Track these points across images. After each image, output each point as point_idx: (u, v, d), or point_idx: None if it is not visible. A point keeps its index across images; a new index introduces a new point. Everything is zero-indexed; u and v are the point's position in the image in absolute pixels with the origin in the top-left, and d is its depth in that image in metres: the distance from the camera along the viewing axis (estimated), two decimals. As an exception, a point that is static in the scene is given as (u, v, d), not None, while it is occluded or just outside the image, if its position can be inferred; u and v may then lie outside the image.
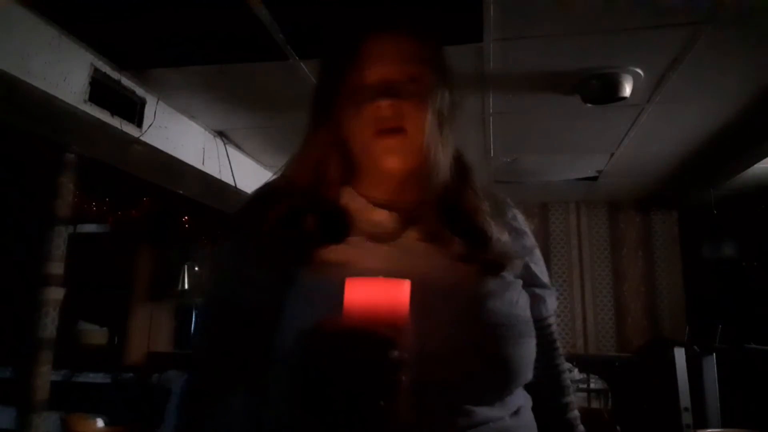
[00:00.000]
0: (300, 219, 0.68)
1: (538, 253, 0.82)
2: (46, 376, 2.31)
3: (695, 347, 3.23)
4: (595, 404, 3.70)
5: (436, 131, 0.70)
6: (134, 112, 2.43)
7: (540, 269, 0.80)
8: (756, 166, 3.24)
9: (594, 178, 3.98)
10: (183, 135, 2.84)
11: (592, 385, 3.72)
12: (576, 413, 0.81)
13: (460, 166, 0.77)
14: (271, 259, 0.67)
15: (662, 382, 3.25)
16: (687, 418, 3.05)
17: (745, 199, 3.94)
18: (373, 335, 0.47)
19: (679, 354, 3.20)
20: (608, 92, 2.28)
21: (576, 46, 2.06)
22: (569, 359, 4.01)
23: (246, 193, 3.26)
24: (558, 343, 0.82)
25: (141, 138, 2.47)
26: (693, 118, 2.78)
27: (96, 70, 2.19)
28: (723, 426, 2.90)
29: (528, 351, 0.67)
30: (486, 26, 1.92)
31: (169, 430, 0.65)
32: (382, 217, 0.72)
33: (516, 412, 0.67)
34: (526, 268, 0.77)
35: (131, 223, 3.89)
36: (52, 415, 2.31)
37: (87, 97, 2.16)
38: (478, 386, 0.63)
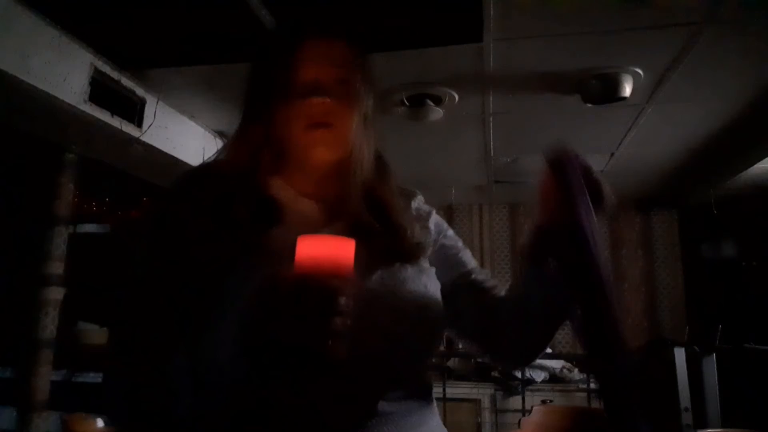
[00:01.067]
0: (232, 205, 0.73)
1: (446, 226, 0.93)
2: (46, 376, 2.31)
3: (695, 347, 3.22)
4: (595, 404, 3.69)
5: (361, 129, 0.78)
6: (134, 112, 2.43)
7: (451, 239, 0.91)
8: (756, 166, 3.24)
9: (594, 178, 3.97)
10: (183, 135, 2.84)
11: (592, 385, 3.71)
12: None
13: (381, 165, 0.85)
14: (208, 242, 0.70)
15: (662, 382, 3.25)
16: (687, 418, 3.05)
17: (745, 199, 3.93)
18: (324, 283, 0.54)
19: (679, 354, 3.19)
20: (608, 92, 2.28)
21: (576, 46, 2.06)
22: (569, 359, 4.02)
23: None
24: (487, 277, 0.91)
25: (141, 138, 2.47)
26: (693, 118, 2.78)
27: (96, 70, 2.19)
28: (723, 426, 2.90)
29: (435, 327, 0.78)
30: (486, 26, 1.92)
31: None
32: (308, 207, 0.78)
33: (423, 384, 0.78)
34: (438, 244, 0.88)
35: (131, 223, 3.89)
36: (52, 415, 2.31)
37: (87, 97, 2.16)
38: (398, 353, 0.72)
